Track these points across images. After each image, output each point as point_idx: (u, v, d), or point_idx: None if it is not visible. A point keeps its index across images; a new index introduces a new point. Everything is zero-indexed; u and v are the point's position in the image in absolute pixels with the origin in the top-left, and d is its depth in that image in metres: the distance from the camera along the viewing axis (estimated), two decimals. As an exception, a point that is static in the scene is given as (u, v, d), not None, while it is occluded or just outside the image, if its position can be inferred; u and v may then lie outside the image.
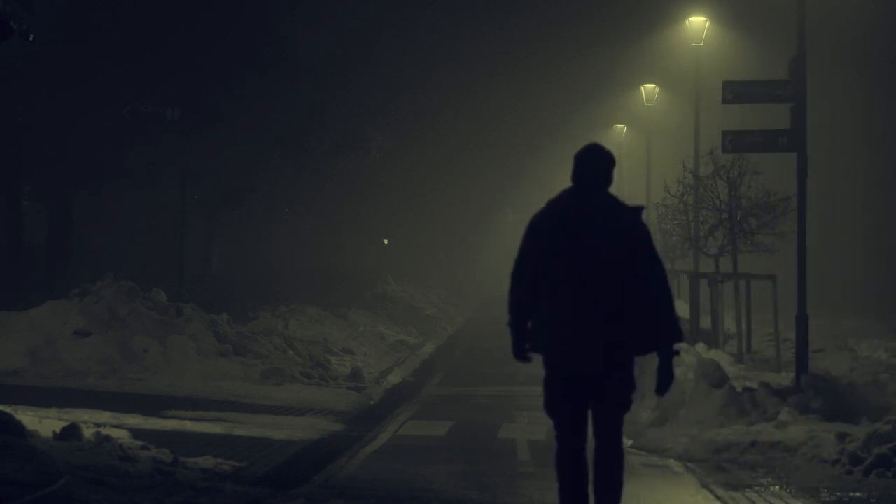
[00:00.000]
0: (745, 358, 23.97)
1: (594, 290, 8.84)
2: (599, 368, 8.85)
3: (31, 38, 13.02)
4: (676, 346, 9.05)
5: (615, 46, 59.53)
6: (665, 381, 9.02)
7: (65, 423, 13.99)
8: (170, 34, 32.24)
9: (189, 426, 17.29)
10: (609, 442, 8.88)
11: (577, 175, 9.29)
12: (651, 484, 13.92)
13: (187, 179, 28.94)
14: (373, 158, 47.96)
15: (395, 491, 12.96)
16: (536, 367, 9.18)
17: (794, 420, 16.98)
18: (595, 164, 9.28)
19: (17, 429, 12.48)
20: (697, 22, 34.84)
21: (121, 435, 14.27)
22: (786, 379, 20.62)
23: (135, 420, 17.23)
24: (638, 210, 9.13)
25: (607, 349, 8.86)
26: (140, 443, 13.91)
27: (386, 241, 67.67)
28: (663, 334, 8.96)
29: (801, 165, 20.16)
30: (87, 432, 13.81)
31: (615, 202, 9.13)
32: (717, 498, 13.06)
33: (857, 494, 13.29)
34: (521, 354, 9.00)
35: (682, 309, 31.85)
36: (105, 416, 17.19)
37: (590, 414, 8.97)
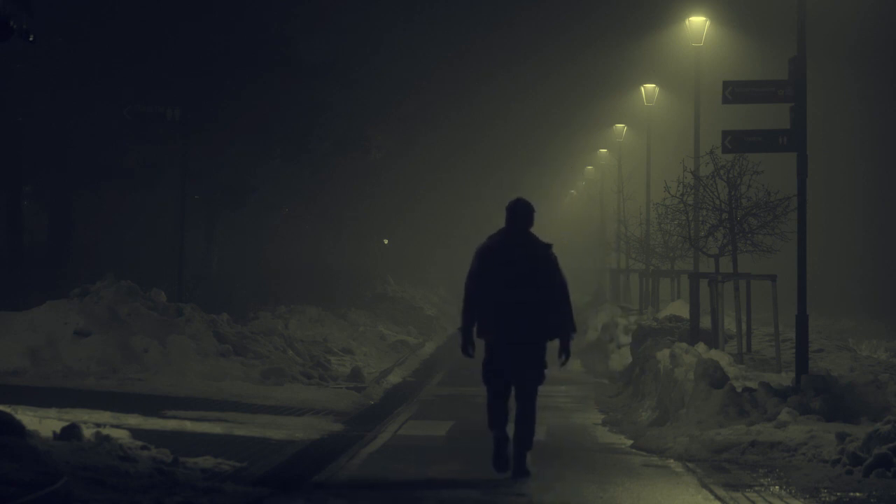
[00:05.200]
0: (745, 358, 23.90)
1: (519, 299, 13.44)
2: (522, 350, 13.46)
3: (31, 39, 13.01)
4: (572, 335, 13.64)
5: (615, 46, 59.59)
6: (566, 357, 13.64)
7: (65, 423, 13.98)
8: (170, 34, 32.21)
9: (189, 426, 17.28)
10: (527, 406, 13.55)
11: (508, 220, 13.66)
12: (651, 484, 13.93)
13: (187, 179, 28.93)
14: (373, 158, 47.95)
15: (395, 491, 12.96)
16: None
17: (794, 420, 16.97)
18: (521, 213, 13.64)
19: (17, 429, 12.46)
20: (697, 22, 34.80)
21: (121, 435, 14.26)
22: (786, 379, 20.59)
23: (135, 420, 17.22)
24: (549, 245, 13.62)
25: (527, 337, 13.46)
26: (140, 443, 13.90)
27: (386, 241, 67.65)
28: (564, 327, 13.54)
29: (802, 165, 20.15)
30: (87, 432, 13.81)
31: (535, 239, 13.64)
32: (717, 498, 13.06)
33: (857, 494, 13.29)
34: (466, 351, 13.52)
35: (682, 309, 31.83)
36: (105, 416, 17.18)
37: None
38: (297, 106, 36.58)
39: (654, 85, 46.92)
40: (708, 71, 35.30)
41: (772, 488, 13.74)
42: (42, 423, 14.55)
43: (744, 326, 24.96)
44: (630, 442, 18.24)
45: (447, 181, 69.44)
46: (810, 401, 17.70)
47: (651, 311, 38.60)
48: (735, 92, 21.20)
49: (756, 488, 13.72)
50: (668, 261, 39.73)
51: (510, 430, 13.67)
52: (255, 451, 15.34)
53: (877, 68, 76.44)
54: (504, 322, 13.47)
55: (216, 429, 17.26)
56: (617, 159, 55.76)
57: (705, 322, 25.99)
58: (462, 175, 71.37)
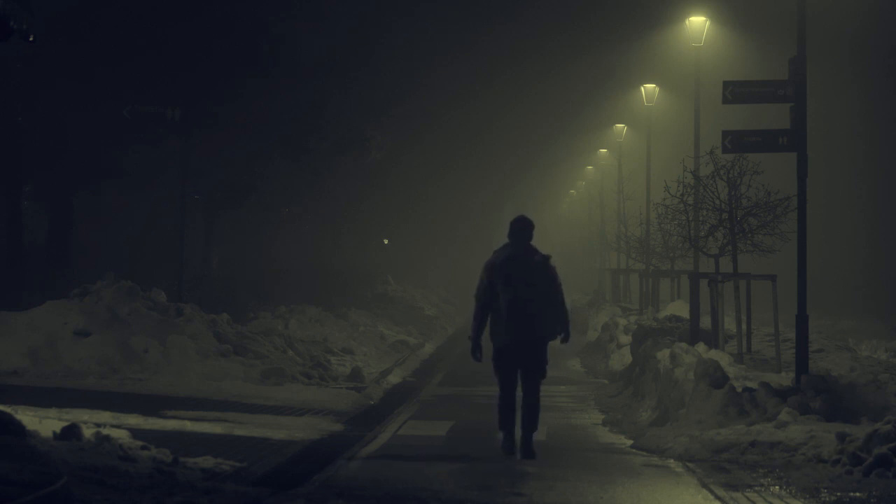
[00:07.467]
0: (745, 358, 23.90)
1: (524, 303, 15.30)
2: (528, 346, 15.33)
3: (30, 39, 13.00)
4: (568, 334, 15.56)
5: (615, 46, 59.58)
6: (565, 336, 15.47)
7: (65, 423, 13.97)
8: (170, 34, 32.20)
9: (189, 426, 17.28)
10: (532, 394, 15.37)
11: (511, 235, 15.55)
12: (651, 484, 13.93)
13: (187, 179, 28.93)
14: (373, 158, 47.94)
15: (395, 491, 12.96)
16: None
17: (794, 420, 16.97)
18: (523, 228, 15.55)
19: (17, 429, 12.45)
20: (697, 22, 34.81)
21: (121, 435, 14.26)
22: (786, 379, 20.57)
23: (135, 420, 17.22)
24: (548, 256, 15.49)
25: (532, 335, 15.35)
26: (140, 443, 13.90)
27: (386, 241, 67.66)
28: (561, 327, 15.46)
29: (802, 165, 20.13)
30: (87, 432, 13.80)
31: (535, 251, 15.51)
32: (717, 498, 13.06)
33: (857, 494, 13.28)
34: (475, 356, 15.38)
35: (682, 309, 31.82)
36: (105, 416, 17.19)
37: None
38: (297, 106, 36.57)
39: (654, 85, 46.91)
40: (708, 71, 35.31)
41: (772, 488, 13.74)
42: (42, 423, 14.54)
43: (744, 326, 24.95)
44: (630, 442, 18.24)
45: (447, 181, 69.47)
46: (810, 401, 17.70)
47: (651, 311, 38.59)
48: (735, 92, 21.19)
49: (756, 488, 13.72)
50: (668, 261, 39.72)
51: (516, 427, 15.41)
52: (255, 451, 15.35)
53: (877, 68, 76.45)
54: (511, 325, 15.31)
55: (216, 429, 17.26)
56: (617, 159, 55.76)
57: (705, 322, 25.98)
58: (462, 174, 71.39)
